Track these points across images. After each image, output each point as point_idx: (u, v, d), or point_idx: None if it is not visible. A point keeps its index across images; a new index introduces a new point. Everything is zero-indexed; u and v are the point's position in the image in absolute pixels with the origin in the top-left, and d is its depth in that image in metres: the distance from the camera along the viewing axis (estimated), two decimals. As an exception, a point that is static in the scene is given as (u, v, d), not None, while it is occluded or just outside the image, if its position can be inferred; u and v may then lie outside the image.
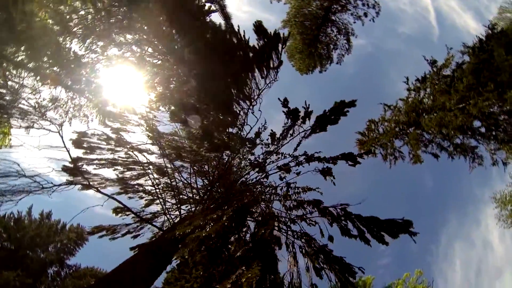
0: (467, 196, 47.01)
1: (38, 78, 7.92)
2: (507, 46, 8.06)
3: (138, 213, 9.70)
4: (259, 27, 8.20)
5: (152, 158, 10.24)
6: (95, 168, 9.19)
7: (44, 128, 7.06)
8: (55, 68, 8.16)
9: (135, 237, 10.02)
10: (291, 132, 9.34)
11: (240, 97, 9.19)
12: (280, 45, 8.54)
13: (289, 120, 9.11)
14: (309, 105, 8.73)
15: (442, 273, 44.70)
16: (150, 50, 9.74)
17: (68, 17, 7.14)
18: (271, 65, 8.74)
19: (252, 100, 9.15)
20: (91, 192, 8.70)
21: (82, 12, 7.29)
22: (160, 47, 9.58)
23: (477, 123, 10.37)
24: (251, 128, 9.33)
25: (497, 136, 10.07)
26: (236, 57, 8.77)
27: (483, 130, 10.40)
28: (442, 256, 48.28)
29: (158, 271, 6.40)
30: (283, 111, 8.97)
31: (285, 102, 8.80)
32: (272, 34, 8.31)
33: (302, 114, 8.90)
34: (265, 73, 8.81)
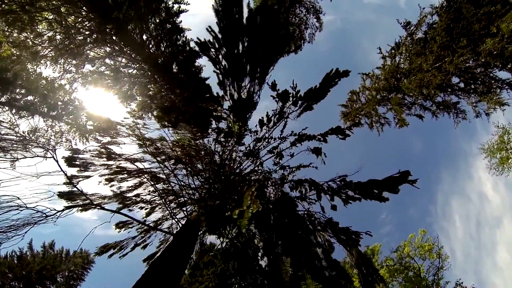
0: (456, 152, 48.57)
1: (14, 111, 7.73)
2: (474, 0, 8.25)
3: (143, 222, 9.67)
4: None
5: (145, 166, 10.21)
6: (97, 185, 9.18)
7: (38, 156, 6.93)
8: (29, 97, 7.97)
9: (144, 247, 10.02)
10: (281, 113, 9.49)
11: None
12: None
13: (280, 102, 9.19)
14: (296, 84, 8.85)
15: (444, 230, 46.36)
16: (124, 60, 9.61)
17: (36, 41, 6.93)
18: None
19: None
20: (85, 215, 8.63)
21: (50, 34, 7.08)
22: (133, 56, 9.44)
23: (455, 80, 10.66)
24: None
25: (476, 89, 10.34)
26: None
27: (462, 85, 10.67)
28: (441, 215, 49.96)
29: (180, 272, 6.46)
30: (272, 96, 9.08)
31: (273, 86, 8.90)
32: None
33: (291, 95, 9.03)
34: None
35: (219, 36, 8.23)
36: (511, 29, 7.28)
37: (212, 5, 7.71)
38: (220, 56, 8.61)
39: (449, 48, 9.23)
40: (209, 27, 8.06)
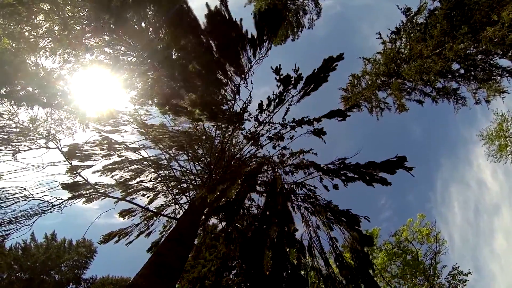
0: (456, 139, 48.62)
1: (13, 102, 7.73)
2: (475, -13, 8.15)
3: (147, 208, 9.83)
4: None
5: (147, 153, 10.31)
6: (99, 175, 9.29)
7: (42, 147, 7.01)
8: (29, 89, 7.96)
9: (148, 235, 10.24)
10: (283, 98, 9.52)
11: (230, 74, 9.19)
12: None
13: (281, 86, 9.22)
14: (298, 67, 8.85)
15: (443, 216, 46.91)
16: (123, 49, 9.55)
17: (33, 33, 6.89)
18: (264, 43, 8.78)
19: (245, 75, 9.19)
20: (87, 205, 8.76)
21: (47, 25, 7.03)
22: (132, 43, 9.38)
23: (455, 66, 10.60)
24: (245, 102, 9.43)
25: (476, 76, 10.30)
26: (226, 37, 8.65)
27: (462, 72, 10.63)
28: (440, 201, 50.43)
29: (185, 255, 6.64)
30: (276, 78, 9.07)
31: (277, 70, 8.92)
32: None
33: (293, 79, 9.04)
34: (257, 50, 8.83)
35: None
36: (512, 17, 7.23)
37: None
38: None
39: (450, 34, 9.17)
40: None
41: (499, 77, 9.81)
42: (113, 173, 9.56)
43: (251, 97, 9.38)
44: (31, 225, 6.70)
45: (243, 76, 9.15)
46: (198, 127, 11.19)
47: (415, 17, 10.60)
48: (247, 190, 8.47)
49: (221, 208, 7.14)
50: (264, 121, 10.08)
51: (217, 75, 9.14)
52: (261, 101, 9.65)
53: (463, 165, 53.38)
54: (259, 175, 10.12)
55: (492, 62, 9.75)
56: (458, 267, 19.23)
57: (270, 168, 10.51)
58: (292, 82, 9.08)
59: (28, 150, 7.04)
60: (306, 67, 8.87)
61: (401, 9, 10.72)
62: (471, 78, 10.50)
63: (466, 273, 18.73)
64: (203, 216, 8.46)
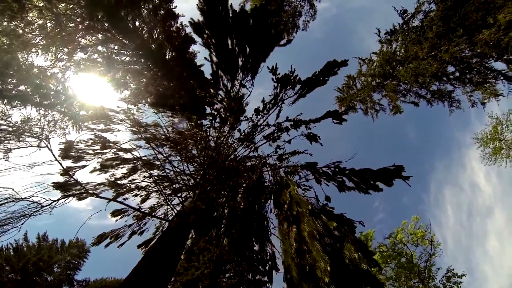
0: (450, 141, 49.08)
1: (6, 101, 7.60)
2: (471, -11, 8.17)
3: (139, 209, 9.70)
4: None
5: (140, 153, 10.19)
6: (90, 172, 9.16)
7: (32, 146, 6.86)
8: (21, 87, 7.83)
9: (141, 233, 10.08)
10: (279, 98, 9.46)
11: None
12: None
13: (278, 87, 9.18)
14: (294, 69, 8.82)
15: (436, 218, 47.25)
16: (116, 47, 9.44)
17: (26, 29, 6.77)
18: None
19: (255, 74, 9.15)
20: (80, 205, 8.65)
21: (40, 22, 6.91)
22: (126, 42, 9.28)
23: (451, 69, 10.62)
24: (242, 101, 9.36)
25: (471, 78, 10.33)
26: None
27: (457, 74, 10.66)
28: (434, 203, 50.81)
29: (177, 258, 6.56)
30: (272, 79, 9.03)
31: (273, 70, 8.86)
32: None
33: (292, 79, 9.00)
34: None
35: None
36: (508, 20, 7.24)
37: (197, 4, 7.52)
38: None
39: (445, 36, 9.19)
40: (192, 19, 7.91)
41: (494, 80, 9.85)
42: (105, 171, 9.43)
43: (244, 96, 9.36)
44: (20, 227, 6.53)
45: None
46: (193, 127, 11.08)
47: (412, 19, 10.63)
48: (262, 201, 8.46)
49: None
50: (260, 124, 10.04)
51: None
52: (258, 106, 9.64)
53: (456, 168, 53.92)
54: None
55: (487, 65, 9.79)
56: (453, 269, 19.27)
57: (267, 170, 10.44)
58: (291, 83, 9.03)
59: (16, 148, 6.90)
60: (298, 69, 8.87)
61: (397, 11, 10.75)
62: (466, 80, 10.54)
63: (461, 275, 18.77)
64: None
